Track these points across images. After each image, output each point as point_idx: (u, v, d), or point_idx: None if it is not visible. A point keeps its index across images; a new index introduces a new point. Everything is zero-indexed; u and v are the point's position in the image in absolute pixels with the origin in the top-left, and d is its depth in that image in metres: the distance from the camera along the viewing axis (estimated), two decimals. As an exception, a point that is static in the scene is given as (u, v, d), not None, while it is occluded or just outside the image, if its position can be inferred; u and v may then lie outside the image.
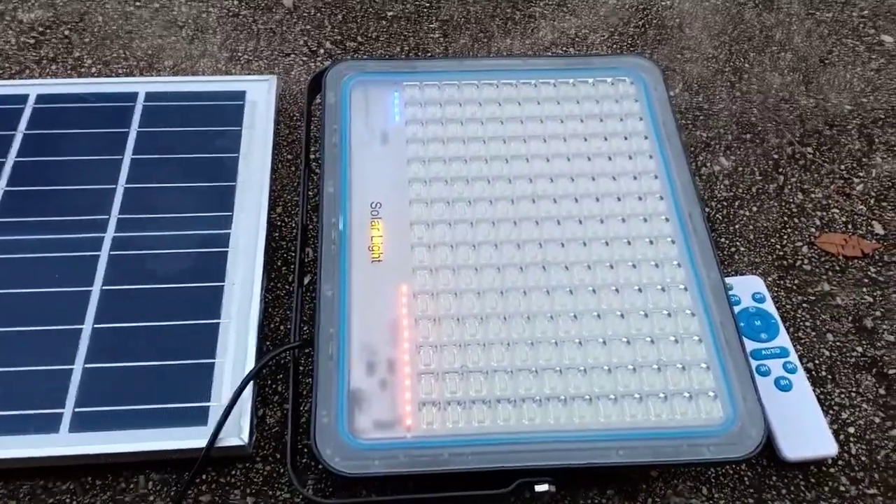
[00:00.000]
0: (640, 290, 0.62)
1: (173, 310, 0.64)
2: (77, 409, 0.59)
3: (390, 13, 0.91)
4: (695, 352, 0.59)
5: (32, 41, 0.86)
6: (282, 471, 0.61)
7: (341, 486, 0.60)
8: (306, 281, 0.70)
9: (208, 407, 0.59)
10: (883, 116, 0.84)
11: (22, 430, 0.58)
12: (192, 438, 0.58)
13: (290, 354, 0.62)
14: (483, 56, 0.87)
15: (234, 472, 0.61)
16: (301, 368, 0.65)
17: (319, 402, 0.56)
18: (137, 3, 0.89)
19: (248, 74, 0.84)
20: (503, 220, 0.66)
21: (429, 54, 0.87)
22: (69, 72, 0.84)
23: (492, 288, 0.62)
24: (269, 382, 0.65)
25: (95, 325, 0.63)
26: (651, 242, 0.64)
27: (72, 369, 0.61)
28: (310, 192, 0.74)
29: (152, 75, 0.83)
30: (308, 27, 0.89)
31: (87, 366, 0.61)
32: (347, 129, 0.70)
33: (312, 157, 0.76)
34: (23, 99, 0.77)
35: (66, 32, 0.87)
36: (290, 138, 0.80)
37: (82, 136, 0.75)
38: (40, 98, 0.78)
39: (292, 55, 0.86)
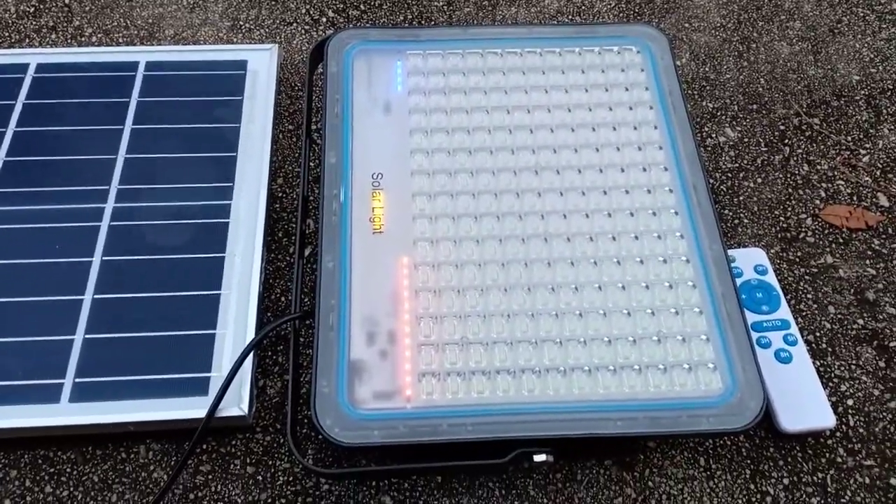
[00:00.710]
0: (641, 261, 0.61)
1: (174, 280, 0.64)
2: (77, 380, 0.59)
3: (393, -19, 0.89)
4: (695, 323, 0.59)
5: (32, 9, 0.85)
6: (281, 441, 0.61)
7: (341, 457, 0.61)
8: (307, 252, 0.69)
9: (209, 377, 0.60)
10: (892, 87, 0.83)
11: (23, 400, 0.58)
12: (192, 408, 0.58)
13: (290, 325, 0.62)
14: (487, 24, 0.86)
15: (234, 443, 0.61)
16: (301, 339, 0.65)
17: (320, 372, 0.56)
18: (137, -29, 0.88)
19: (250, 43, 0.83)
20: (506, 191, 0.65)
21: (432, 23, 0.86)
22: (69, 41, 0.83)
23: (493, 259, 0.62)
24: (270, 353, 0.65)
25: (96, 296, 0.63)
26: (654, 214, 0.64)
27: (72, 340, 0.61)
28: (311, 163, 0.74)
29: (153, 44, 0.82)
30: (310, -5, 0.88)
31: (87, 336, 0.61)
32: (350, 99, 0.69)
33: (314, 127, 0.76)
34: (23, 68, 0.77)
35: (66, 1, 0.86)
36: (291, 108, 0.79)
37: (83, 106, 0.74)
38: (40, 67, 0.77)
39: (294, 24, 0.85)
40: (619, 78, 0.72)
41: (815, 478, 0.60)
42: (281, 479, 0.60)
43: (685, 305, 0.60)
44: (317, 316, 0.58)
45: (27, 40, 0.83)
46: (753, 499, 0.60)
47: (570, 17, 0.87)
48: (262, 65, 0.78)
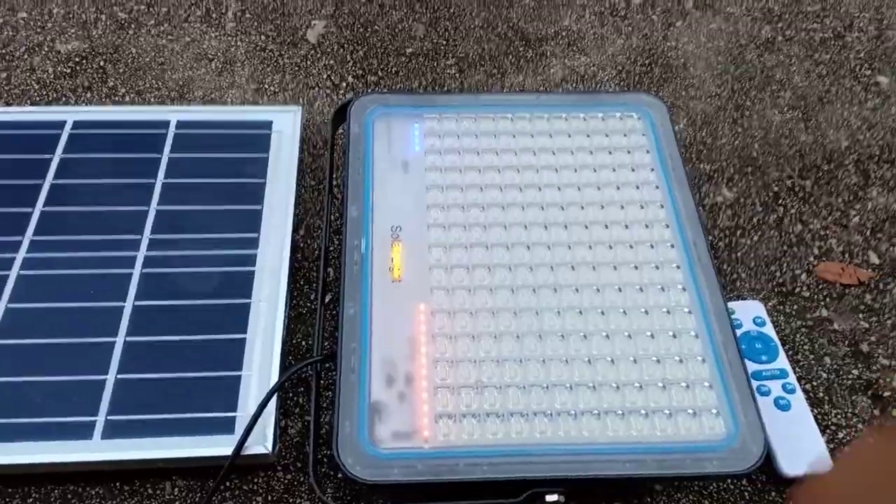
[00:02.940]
0: (646, 312, 0.65)
1: (202, 325, 0.67)
2: (110, 417, 0.62)
3: (409, 50, 0.95)
4: (699, 371, 0.62)
5: (69, 70, 0.91)
6: (302, 479, 0.64)
7: (359, 496, 0.63)
8: (327, 299, 0.73)
9: (234, 417, 0.63)
10: (878, 153, 0.88)
11: (57, 437, 0.61)
12: (218, 446, 0.61)
13: (312, 368, 0.66)
14: (498, 91, 0.91)
15: (256, 480, 0.64)
16: (321, 382, 0.68)
17: (342, 412, 0.59)
18: (169, 37, 0.94)
19: (275, 105, 0.88)
20: (517, 244, 0.69)
21: (445, 89, 0.92)
22: (104, 100, 0.88)
23: (506, 308, 0.65)
24: (291, 395, 0.68)
25: (128, 339, 0.66)
26: (657, 268, 0.68)
27: (105, 380, 0.64)
28: (331, 217, 0.78)
29: (183, 105, 0.87)
30: (331, 62, 0.93)
31: (119, 376, 0.64)
32: (370, 158, 0.74)
33: (335, 183, 0.80)
34: (60, 125, 0.82)
35: (102, 63, 0.92)
36: (312, 165, 0.84)
37: (117, 161, 0.79)
38: (77, 124, 0.82)
39: (316, 88, 0.91)
40: (621, 142, 0.77)
41: (814, 522, 0.63)
42: (301, 517, 0.62)
43: (688, 354, 0.63)
44: (339, 358, 0.61)
45: (63, 99, 0.88)
46: (756, 542, 0.62)
47: (573, 84, 0.93)
48: (286, 125, 0.83)
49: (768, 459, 0.64)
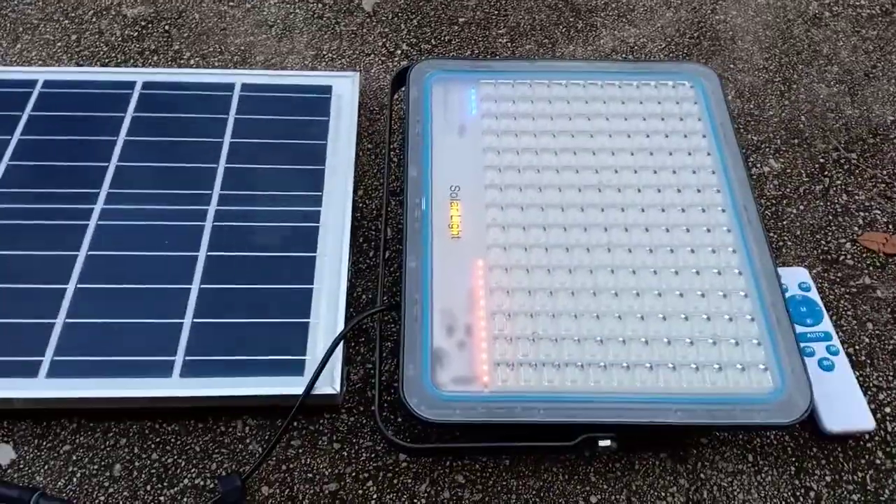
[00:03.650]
0: (697, 272, 0.68)
1: (271, 275, 0.71)
2: (187, 357, 0.66)
3: (461, 19, 0.98)
4: (748, 329, 0.65)
5: (136, 34, 0.94)
6: (364, 421, 0.67)
7: (418, 438, 0.67)
8: (386, 255, 0.76)
9: (304, 360, 0.66)
10: (925, 128, 0.89)
11: (140, 374, 0.65)
12: (290, 386, 0.64)
13: (375, 318, 0.69)
14: (552, 59, 0.94)
15: (321, 422, 0.67)
16: (382, 332, 0.71)
17: (406, 357, 0.62)
18: (231, 3, 0.97)
19: (333, 71, 0.91)
20: (571, 205, 0.72)
21: (497, 58, 0.94)
22: (169, 63, 0.92)
23: (560, 265, 0.68)
24: (353, 344, 0.72)
25: (202, 286, 0.70)
26: (708, 231, 0.70)
27: (182, 323, 0.68)
28: (389, 178, 0.81)
29: (246, 69, 0.91)
30: (386, 30, 0.96)
31: (195, 320, 0.68)
32: (429, 121, 0.77)
33: (393, 145, 0.83)
34: (130, 85, 0.85)
35: (167, 27, 0.95)
36: (369, 129, 0.87)
37: (185, 120, 0.82)
38: (146, 84, 0.85)
39: (372, 55, 0.94)
40: (673, 109, 0.79)
41: (855, 476, 0.65)
42: (364, 455, 0.66)
43: (738, 313, 0.66)
44: (403, 308, 0.65)
45: (131, 61, 0.92)
46: (798, 493, 0.65)
47: (623, 55, 0.95)
48: (345, 90, 0.86)
49: (811, 417, 0.66)
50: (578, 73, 0.82)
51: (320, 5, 0.98)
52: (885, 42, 0.98)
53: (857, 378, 0.69)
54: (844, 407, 0.67)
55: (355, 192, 0.81)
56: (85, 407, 0.66)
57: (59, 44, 0.93)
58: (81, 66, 0.91)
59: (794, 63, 0.95)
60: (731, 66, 0.94)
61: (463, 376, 0.62)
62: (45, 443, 0.66)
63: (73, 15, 0.96)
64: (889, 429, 0.68)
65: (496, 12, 0.99)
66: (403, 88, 0.81)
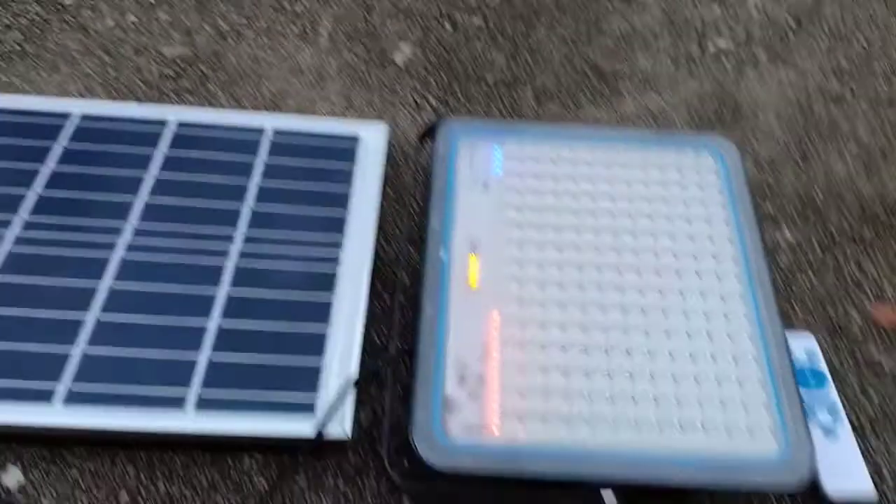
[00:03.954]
0: (709, 336, 0.69)
1: (289, 315, 0.72)
2: (202, 392, 0.67)
3: (490, 79, 1.01)
4: (755, 393, 0.65)
5: (173, 73, 0.98)
6: (371, 463, 0.68)
7: (427, 486, 0.67)
8: (401, 300, 0.77)
9: (315, 402, 0.67)
10: (938, 209, 0.91)
11: (154, 406, 0.66)
12: (300, 426, 0.65)
13: (389, 364, 0.70)
14: (577, 124, 0.96)
15: (328, 461, 0.68)
16: (394, 377, 0.72)
17: (418, 403, 0.63)
18: (267, 49, 1.01)
19: (362, 119, 0.94)
20: (588, 265, 0.73)
21: (521, 116, 0.97)
22: (203, 103, 0.95)
23: (574, 323, 0.69)
24: (363, 387, 0.72)
25: (221, 323, 0.71)
26: (722, 298, 0.71)
27: (198, 359, 0.69)
28: (411, 227, 0.83)
29: (277, 113, 0.93)
30: (416, 84, 0.99)
31: (212, 356, 0.69)
32: (454, 175, 0.79)
33: (413, 195, 0.85)
34: (163, 123, 0.88)
35: (203, 69, 0.98)
36: (394, 179, 0.89)
37: (215, 161, 0.85)
38: (180, 124, 0.88)
39: (400, 107, 0.96)
40: (693, 178, 0.81)
41: (859, 552, 0.65)
42: (369, 497, 0.66)
43: (747, 377, 0.66)
44: (417, 354, 0.66)
45: (166, 99, 0.95)
46: (801, 565, 0.64)
47: (645, 121, 0.97)
48: (373, 139, 0.88)
49: (814, 483, 0.66)
50: (602, 138, 0.84)
51: (354, 58, 1.01)
52: (902, 123, 1.00)
53: (860, 446, 0.69)
54: (847, 474, 0.67)
55: (376, 238, 0.83)
56: (97, 437, 0.67)
57: (96, 78, 0.96)
58: (117, 100, 0.94)
59: (813, 138, 0.97)
60: (751, 137, 0.97)
61: (473, 424, 0.63)
62: (53, 467, 0.66)
63: (112, 51, 0.99)
64: (891, 498, 0.68)
65: (524, 74, 1.02)
66: (430, 142, 0.83)
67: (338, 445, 0.67)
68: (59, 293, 0.72)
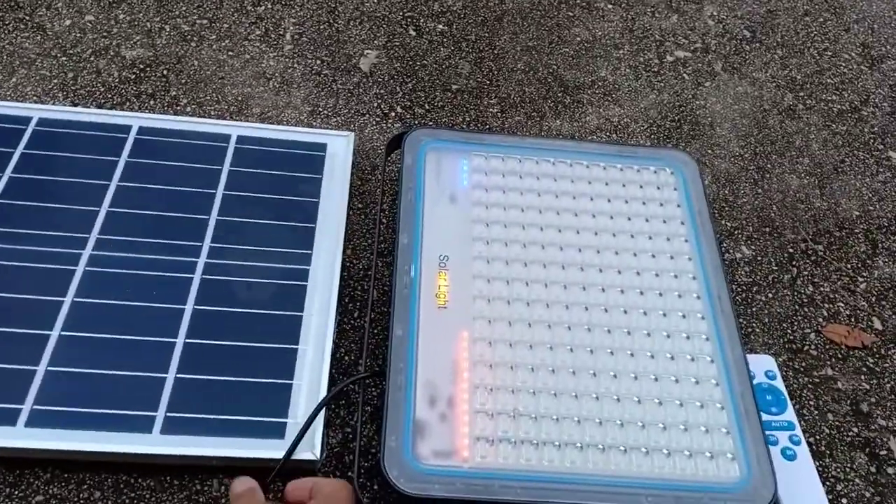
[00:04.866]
0: (672, 357, 0.70)
1: (257, 333, 0.72)
2: (169, 414, 0.66)
3: (455, 87, 1.01)
4: (717, 417, 0.67)
5: (133, 76, 0.95)
6: (342, 487, 0.68)
7: (394, 506, 0.68)
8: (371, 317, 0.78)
9: (285, 423, 0.67)
10: (887, 224, 0.94)
11: (119, 428, 0.65)
12: (269, 449, 0.65)
13: (359, 384, 0.70)
14: (542, 137, 0.97)
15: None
16: (363, 397, 0.72)
17: (389, 427, 0.63)
18: (230, 53, 0.99)
19: (328, 129, 0.93)
20: (554, 282, 0.74)
21: (487, 127, 0.97)
22: (166, 108, 0.93)
23: (542, 342, 0.70)
24: (333, 407, 0.73)
25: (187, 340, 0.71)
26: (683, 317, 0.73)
27: (165, 378, 0.68)
28: (379, 240, 0.83)
29: (242, 120, 0.92)
30: (381, 91, 0.98)
31: (178, 376, 0.68)
32: (422, 189, 0.79)
33: (383, 208, 0.85)
34: (126, 129, 0.86)
35: (165, 72, 0.96)
36: (360, 189, 0.89)
37: (179, 169, 0.83)
38: (142, 130, 0.86)
39: (367, 115, 0.96)
40: (654, 194, 0.82)
41: (811, 565, 0.68)
42: (340, 521, 0.66)
43: (709, 400, 0.68)
44: (388, 377, 0.66)
45: (128, 104, 0.93)
46: (757, 579, 0.67)
47: (607, 133, 0.99)
48: (339, 149, 0.88)
49: (775, 504, 0.69)
50: (566, 151, 0.85)
51: (319, 62, 1.00)
52: (853, 138, 1.03)
53: (817, 468, 0.72)
54: (804, 498, 0.69)
55: (343, 251, 0.82)
56: (61, 458, 0.66)
57: (55, 80, 0.93)
58: (77, 104, 0.91)
59: (768, 152, 1.00)
60: (709, 151, 0.99)
61: (443, 450, 0.64)
62: (16, 492, 0.65)
63: (71, 52, 0.96)
64: (845, 520, 0.71)
65: (488, 82, 1.02)
66: (397, 152, 0.83)
67: (308, 467, 0.67)
68: (19, 308, 0.71)
